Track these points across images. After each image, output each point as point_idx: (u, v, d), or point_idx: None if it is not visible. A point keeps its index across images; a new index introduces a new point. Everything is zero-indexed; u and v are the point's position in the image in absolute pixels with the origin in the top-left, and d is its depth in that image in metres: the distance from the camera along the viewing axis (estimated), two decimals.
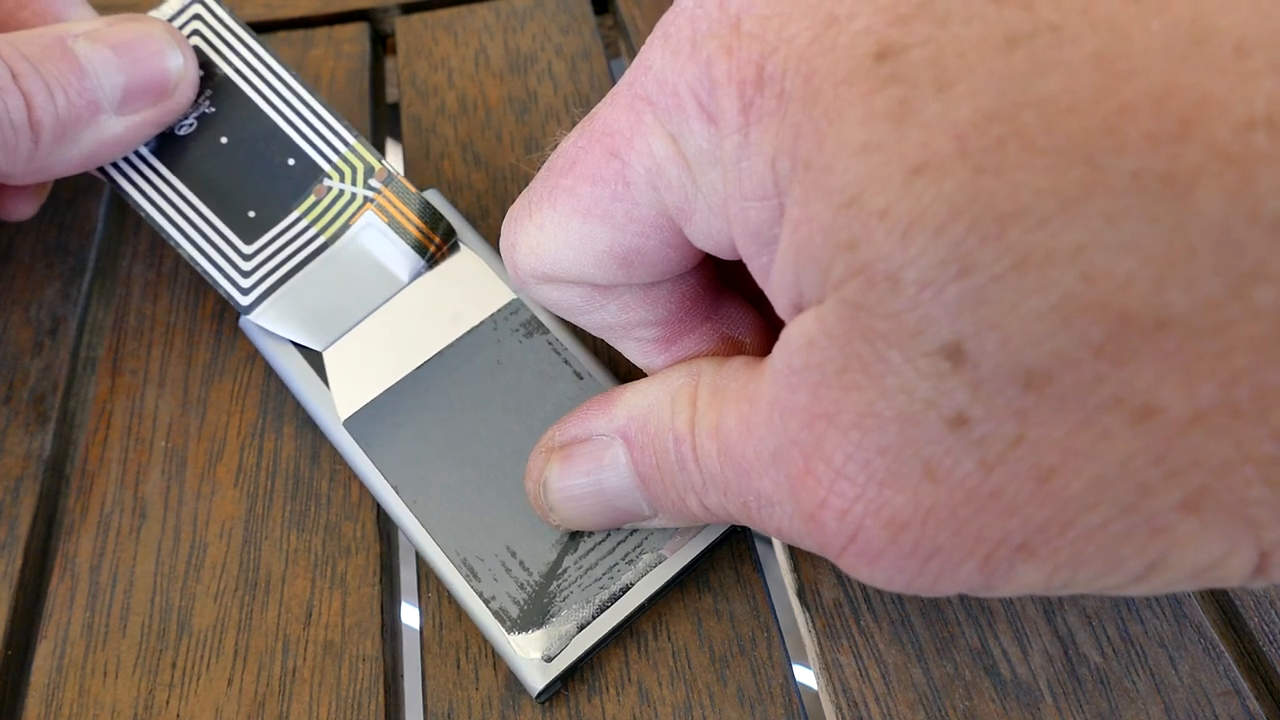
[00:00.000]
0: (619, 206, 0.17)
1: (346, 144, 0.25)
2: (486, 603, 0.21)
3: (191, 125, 0.25)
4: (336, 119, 0.25)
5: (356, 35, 0.33)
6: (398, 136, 0.31)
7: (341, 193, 0.24)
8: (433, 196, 0.25)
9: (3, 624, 0.22)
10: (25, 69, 0.22)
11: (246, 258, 0.24)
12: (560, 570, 0.21)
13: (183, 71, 0.24)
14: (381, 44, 0.34)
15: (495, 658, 0.21)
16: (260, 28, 0.34)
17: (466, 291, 0.24)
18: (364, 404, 0.23)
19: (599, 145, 0.17)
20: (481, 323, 0.23)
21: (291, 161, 0.24)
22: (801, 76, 0.13)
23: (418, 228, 0.24)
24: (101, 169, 0.24)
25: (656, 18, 0.33)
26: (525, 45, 0.32)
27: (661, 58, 0.16)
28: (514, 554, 0.21)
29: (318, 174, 0.24)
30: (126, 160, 0.24)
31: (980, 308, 0.12)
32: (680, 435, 0.18)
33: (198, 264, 0.24)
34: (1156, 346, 0.12)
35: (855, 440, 0.14)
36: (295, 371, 0.24)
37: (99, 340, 0.27)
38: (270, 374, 0.25)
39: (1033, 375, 0.12)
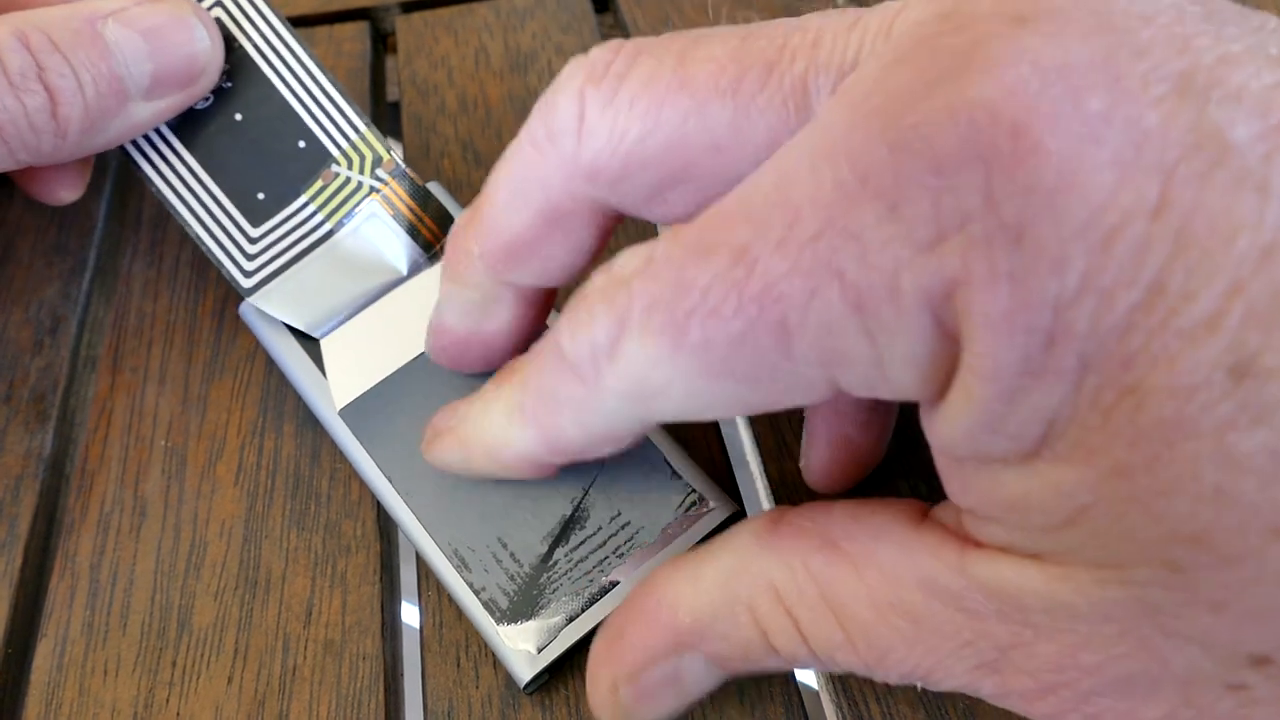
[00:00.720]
0: (764, 367, 0.14)
1: (357, 131, 0.24)
2: (476, 593, 0.21)
3: (208, 100, 0.24)
4: (349, 104, 0.25)
5: (357, 34, 0.33)
6: (398, 135, 0.31)
7: (348, 180, 0.24)
8: (435, 189, 0.25)
9: (3, 622, 0.22)
10: (53, 61, 0.21)
11: (252, 240, 0.24)
12: (551, 562, 0.21)
13: (210, 56, 0.24)
14: (382, 43, 0.34)
15: (495, 657, 0.21)
16: None
17: None
18: (360, 393, 0.23)
19: (759, 314, 0.13)
20: None
21: (302, 144, 0.24)
22: (1117, 354, 0.11)
23: (421, 220, 0.24)
24: None
25: (657, 17, 0.33)
26: (525, 44, 0.32)
27: (883, 230, 0.12)
28: (505, 545, 0.21)
29: (326, 159, 0.24)
30: (143, 135, 0.24)
31: None
32: (792, 654, 0.16)
33: (204, 243, 0.24)
34: None
35: (1109, 690, 0.14)
36: (293, 360, 0.24)
37: (99, 339, 0.27)
38: (270, 372, 0.25)
39: None
